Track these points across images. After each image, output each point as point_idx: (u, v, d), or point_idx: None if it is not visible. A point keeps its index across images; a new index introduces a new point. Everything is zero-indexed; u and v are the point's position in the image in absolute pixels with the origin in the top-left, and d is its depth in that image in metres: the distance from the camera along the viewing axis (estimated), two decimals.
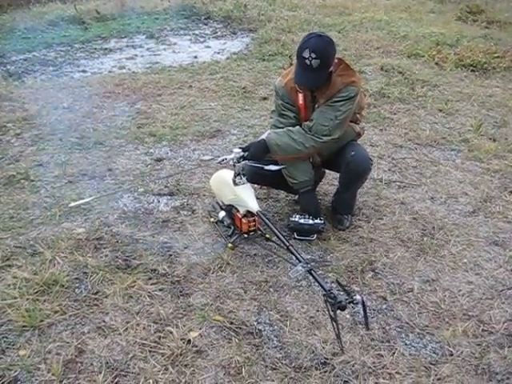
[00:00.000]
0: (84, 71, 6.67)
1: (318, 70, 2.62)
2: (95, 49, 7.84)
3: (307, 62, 2.60)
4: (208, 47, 7.98)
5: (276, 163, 2.85)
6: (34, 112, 4.91)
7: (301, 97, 2.84)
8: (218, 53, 7.59)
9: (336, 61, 2.75)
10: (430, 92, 5.59)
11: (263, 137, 2.91)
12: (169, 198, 3.44)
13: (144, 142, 4.33)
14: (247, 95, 5.49)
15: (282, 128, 2.88)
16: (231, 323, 2.37)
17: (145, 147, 4.22)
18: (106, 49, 7.84)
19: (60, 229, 3.06)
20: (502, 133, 4.58)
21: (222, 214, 2.95)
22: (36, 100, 5.25)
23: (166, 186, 3.58)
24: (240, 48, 7.76)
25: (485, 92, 5.62)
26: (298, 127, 2.83)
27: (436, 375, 2.12)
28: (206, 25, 9.63)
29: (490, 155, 4.11)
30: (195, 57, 7.35)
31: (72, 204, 3.12)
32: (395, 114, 4.99)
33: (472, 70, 6.42)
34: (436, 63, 6.64)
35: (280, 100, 2.92)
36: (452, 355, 2.23)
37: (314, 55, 2.57)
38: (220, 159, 2.81)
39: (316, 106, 2.83)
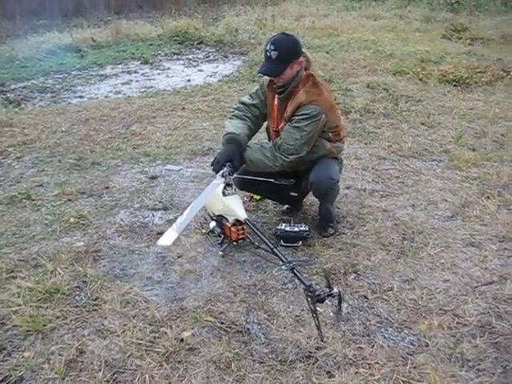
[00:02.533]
0: (81, 97, 6.91)
1: (276, 61, 2.88)
2: (91, 75, 8.11)
3: (268, 53, 2.90)
4: (201, 71, 8.26)
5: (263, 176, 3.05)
6: (34, 136, 5.13)
7: (276, 98, 3.11)
8: (211, 76, 7.86)
9: (305, 74, 2.99)
10: (414, 107, 5.82)
11: (226, 128, 3.12)
12: (163, 212, 3.63)
13: (139, 161, 4.53)
14: None
15: (245, 105, 3.24)
16: (222, 323, 2.53)
17: (140, 166, 4.43)
18: (101, 75, 8.12)
19: (60, 243, 3.24)
20: (481, 143, 4.78)
21: (213, 224, 3.11)
22: (35, 125, 5.47)
23: (160, 202, 3.77)
24: (231, 71, 8.05)
25: (466, 105, 5.84)
26: (270, 145, 3.05)
27: (412, 364, 2.28)
28: (198, 49, 9.95)
29: (470, 164, 4.30)
30: (188, 80, 7.61)
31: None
32: (379, 128, 5.21)
33: (455, 85, 6.65)
34: (420, 79, 6.87)
35: (258, 86, 3.26)
36: (428, 346, 2.38)
37: (273, 47, 2.86)
38: (219, 174, 2.96)
39: (284, 115, 3.05)
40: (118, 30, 10.88)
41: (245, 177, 3.07)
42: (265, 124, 3.36)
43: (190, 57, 9.30)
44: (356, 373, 2.24)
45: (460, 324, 2.52)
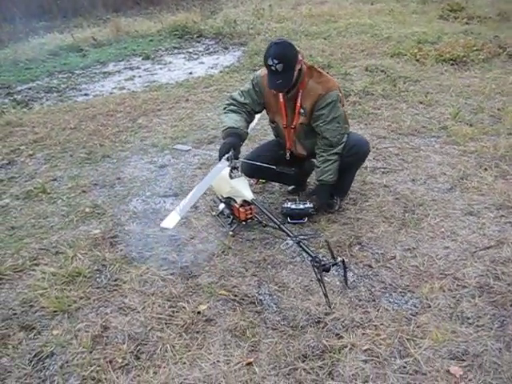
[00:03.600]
0: (86, 94, 7.07)
1: (284, 72, 2.97)
2: (95, 73, 8.28)
3: (273, 68, 2.96)
4: (202, 63, 8.40)
5: (268, 162, 3.21)
6: (44, 134, 5.30)
7: (281, 95, 3.21)
8: (212, 67, 7.99)
9: (306, 67, 3.12)
10: (412, 87, 5.93)
11: (224, 123, 3.22)
12: (174, 198, 3.79)
13: (148, 152, 4.69)
14: None
15: (236, 101, 3.29)
16: (235, 296, 2.70)
17: (149, 157, 4.59)
18: (105, 72, 8.28)
19: (78, 232, 3.41)
20: (478, 118, 4.90)
21: (222, 205, 3.28)
22: (45, 123, 5.64)
23: (170, 189, 3.93)
24: (232, 61, 8.18)
25: (463, 83, 5.94)
26: (324, 154, 3.22)
27: (416, 323, 2.43)
28: (198, 42, 10.08)
29: (467, 138, 4.43)
30: (190, 73, 7.76)
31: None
32: (379, 109, 5.33)
33: (451, 64, 6.75)
34: (417, 60, 6.98)
35: (251, 85, 3.29)
36: (430, 307, 2.54)
37: (276, 61, 2.93)
38: (224, 158, 3.10)
39: (299, 109, 3.18)
40: (117, 27, 11.03)
41: (248, 161, 3.22)
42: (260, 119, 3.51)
43: (191, 50, 9.44)
44: (363, 334, 2.40)
45: (460, 286, 2.67)
